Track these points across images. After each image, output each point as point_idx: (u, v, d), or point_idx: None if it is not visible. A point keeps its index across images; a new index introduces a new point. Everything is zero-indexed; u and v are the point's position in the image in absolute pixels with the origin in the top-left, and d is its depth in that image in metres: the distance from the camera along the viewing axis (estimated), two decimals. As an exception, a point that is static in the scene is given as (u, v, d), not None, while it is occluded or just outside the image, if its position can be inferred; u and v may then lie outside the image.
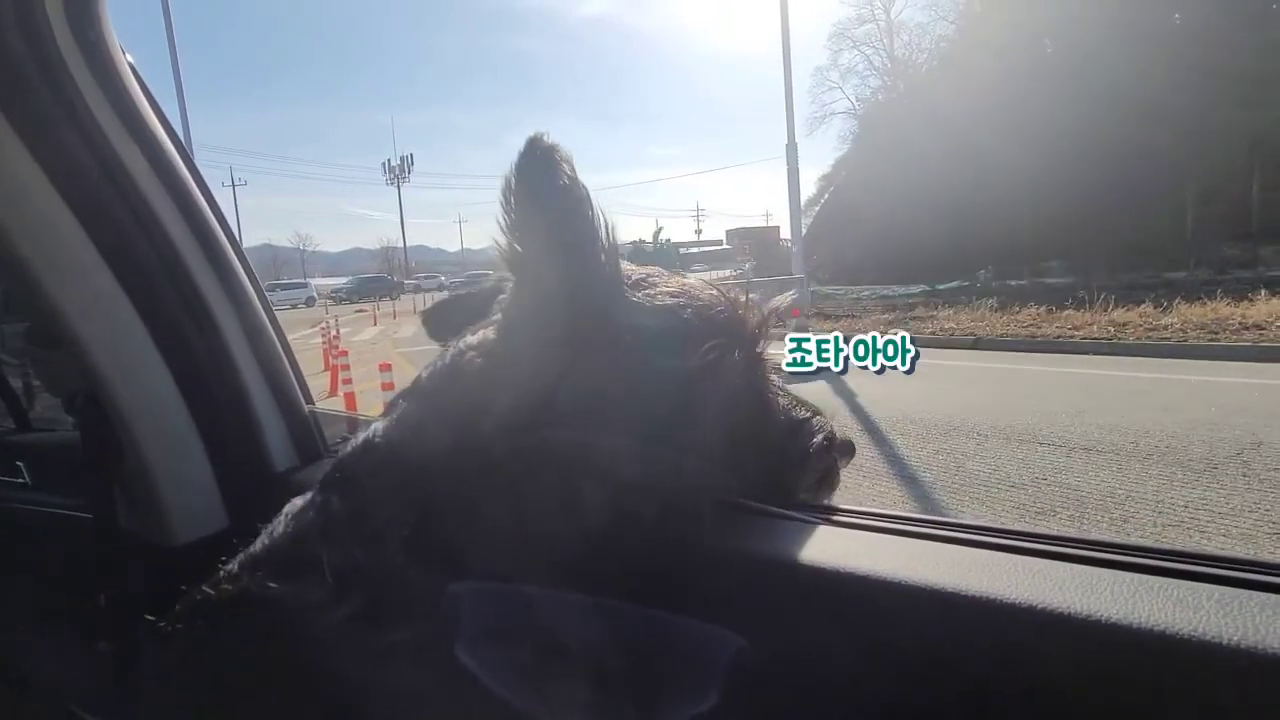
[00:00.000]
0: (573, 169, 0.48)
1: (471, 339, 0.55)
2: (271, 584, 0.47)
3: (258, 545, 0.51)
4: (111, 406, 0.82)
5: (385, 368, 6.59)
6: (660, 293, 0.55)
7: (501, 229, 0.49)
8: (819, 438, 0.61)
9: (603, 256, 0.51)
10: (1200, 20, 19.65)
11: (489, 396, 0.49)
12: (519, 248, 0.49)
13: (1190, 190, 18.68)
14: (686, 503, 0.51)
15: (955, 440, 4.46)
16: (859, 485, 3.72)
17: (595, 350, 0.50)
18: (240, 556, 0.50)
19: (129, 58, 0.80)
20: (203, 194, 0.88)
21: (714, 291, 0.58)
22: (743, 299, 0.59)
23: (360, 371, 7.72)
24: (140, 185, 0.80)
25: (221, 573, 0.50)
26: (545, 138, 0.48)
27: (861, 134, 30.95)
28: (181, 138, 0.85)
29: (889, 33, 30.28)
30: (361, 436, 0.54)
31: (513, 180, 0.48)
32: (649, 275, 0.58)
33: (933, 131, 23.52)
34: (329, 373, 8.61)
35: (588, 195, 0.49)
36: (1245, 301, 9.04)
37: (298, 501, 0.52)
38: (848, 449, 0.64)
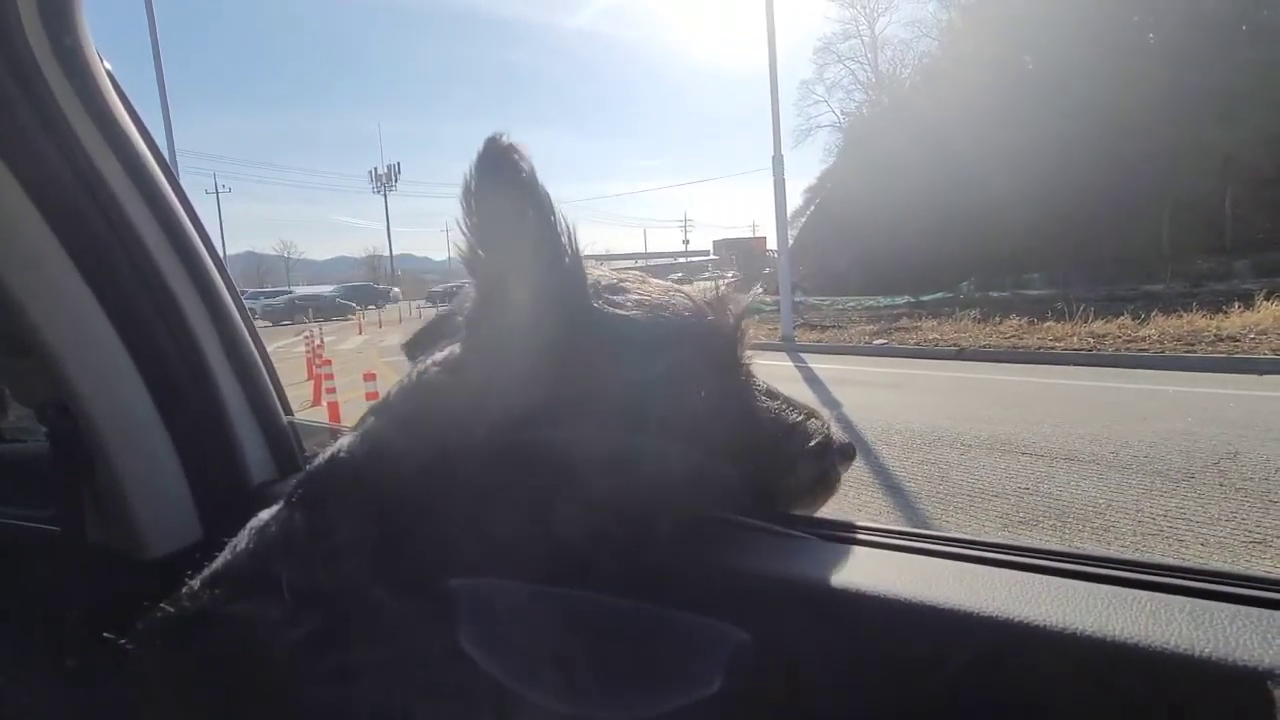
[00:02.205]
0: (532, 171, 0.46)
1: (438, 355, 0.54)
2: (230, 602, 0.45)
3: (219, 562, 0.49)
4: (82, 417, 0.80)
5: (370, 377, 6.51)
6: (631, 299, 0.54)
7: (463, 233, 0.47)
8: (814, 442, 0.58)
9: (566, 260, 0.49)
10: (1175, 41, 20.20)
11: (455, 412, 0.49)
12: (480, 253, 0.48)
13: (1166, 204, 19.10)
14: (651, 514, 0.50)
15: (940, 450, 4.49)
16: (844, 495, 3.71)
17: (563, 360, 0.49)
18: (202, 573, 0.49)
19: (107, 64, 0.79)
20: (181, 202, 0.87)
21: (686, 298, 0.57)
22: (718, 305, 0.57)
23: (344, 381, 7.64)
24: (116, 193, 0.79)
25: (184, 590, 0.48)
26: (503, 137, 0.46)
27: (847, 147, 31.41)
28: (165, 143, 0.85)
29: (873, 48, 30.87)
30: (328, 452, 0.53)
31: (472, 182, 0.46)
32: (621, 281, 0.56)
33: (917, 145, 23.89)
34: (312, 382, 8.51)
35: (548, 199, 0.47)
36: (1220, 314, 9.23)
37: (263, 515, 0.51)
38: (847, 452, 0.61)
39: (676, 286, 0.59)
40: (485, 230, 0.47)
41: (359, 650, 0.44)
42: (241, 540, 0.50)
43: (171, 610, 0.47)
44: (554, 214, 0.48)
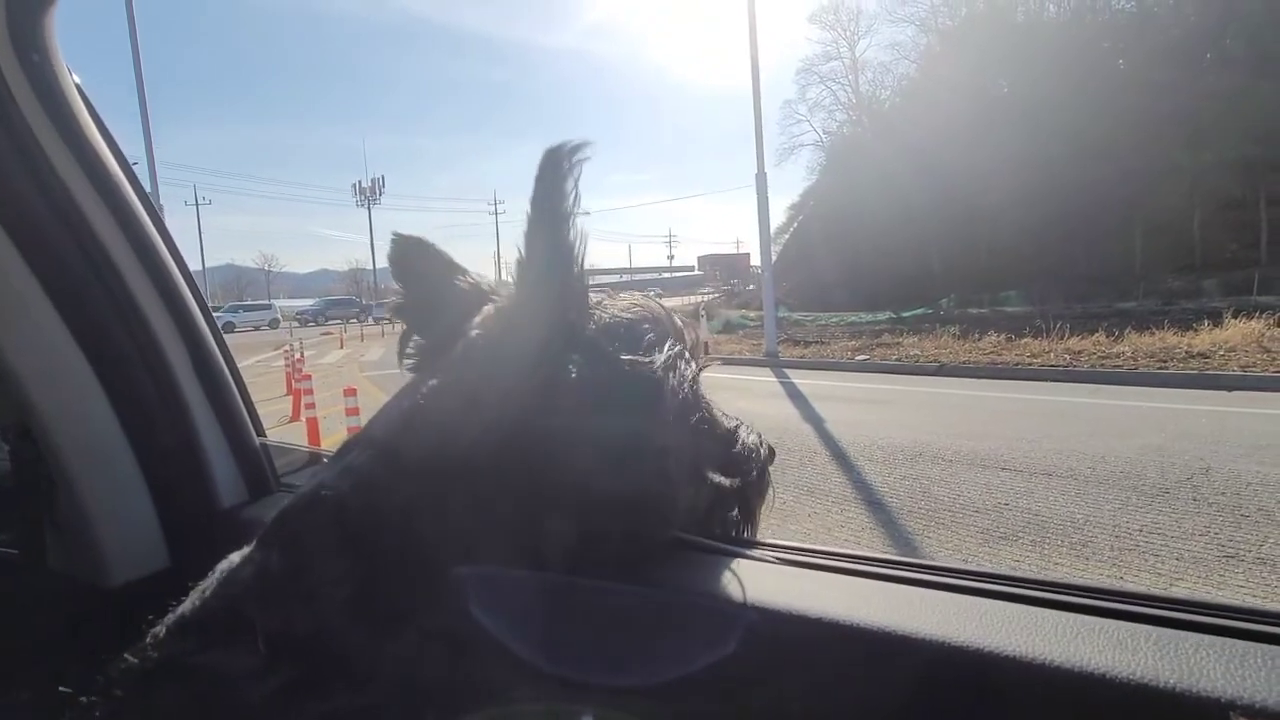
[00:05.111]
0: (575, 183, 0.48)
1: (434, 381, 0.52)
2: (200, 651, 0.43)
3: (188, 605, 0.47)
4: (45, 439, 0.78)
5: (350, 393, 6.42)
6: (619, 309, 0.56)
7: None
8: (753, 438, 0.64)
9: (575, 269, 0.50)
10: (1144, 68, 20.91)
11: (449, 442, 0.47)
12: (522, 255, 0.49)
13: (1138, 225, 19.66)
14: (634, 530, 0.50)
15: (920, 466, 4.52)
16: (827, 511, 3.74)
17: (566, 371, 0.49)
18: (169, 618, 0.47)
19: (77, 79, 0.78)
20: (151, 218, 0.85)
21: (660, 307, 0.61)
22: (683, 317, 0.62)
23: (324, 396, 7.53)
24: (84, 210, 0.78)
25: (148, 637, 0.46)
26: (564, 147, 0.47)
27: (829, 165, 32.03)
28: (144, 155, 0.83)
29: (854, 69, 31.60)
30: (309, 487, 0.51)
31: (532, 189, 0.48)
32: (601, 299, 0.58)
33: (896, 164, 24.38)
34: (291, 397, 8.39)
35: (573, 212, 0.49)
36: (1191, 331, 9.47)
37: (234, 557, 0.49)
38: (772, 450, 0.69)
39: (645, 300, 0.61)
40: (527, 237, 0.49)
41: (339, 700, 0.42)
42: (212, 582, 0.48)
43: (135, 660, 0.44)
44: (575, 227, 0.49)
